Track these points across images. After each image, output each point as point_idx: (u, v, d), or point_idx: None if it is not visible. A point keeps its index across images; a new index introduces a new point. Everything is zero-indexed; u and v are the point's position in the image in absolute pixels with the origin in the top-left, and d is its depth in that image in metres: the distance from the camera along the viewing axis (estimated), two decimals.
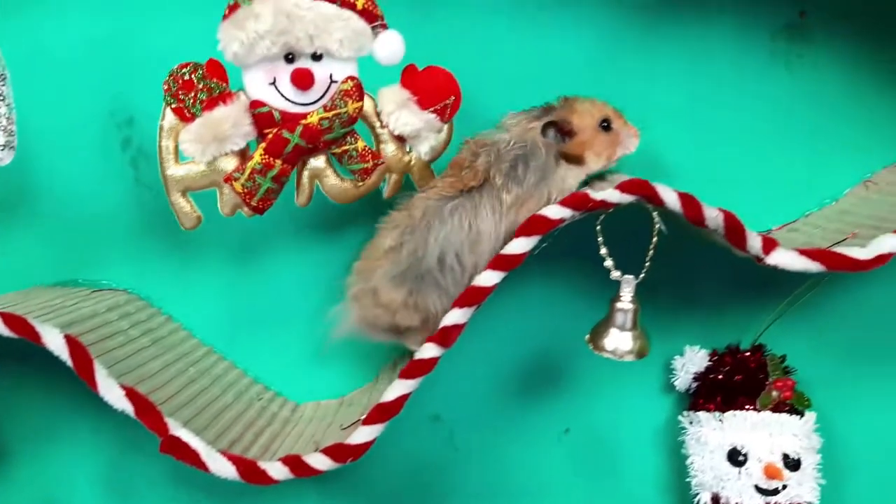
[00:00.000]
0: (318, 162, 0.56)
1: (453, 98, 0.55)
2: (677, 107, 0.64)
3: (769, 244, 0.50)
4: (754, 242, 0.50)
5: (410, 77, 0.54)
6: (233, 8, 0.50)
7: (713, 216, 0.50)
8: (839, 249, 0.50)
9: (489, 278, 0.51)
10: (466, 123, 0.61)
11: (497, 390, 0.70)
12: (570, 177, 0.56)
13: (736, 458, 0.61)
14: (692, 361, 0.66)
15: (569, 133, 0.55)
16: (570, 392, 0.69)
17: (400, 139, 0.56)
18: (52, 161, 0.66)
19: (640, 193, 0.50)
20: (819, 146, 0.64)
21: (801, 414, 0.62)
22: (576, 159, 0.56)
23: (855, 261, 0.50)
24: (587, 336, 0.55)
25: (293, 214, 0.63)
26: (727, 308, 0.68)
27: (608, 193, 0.50)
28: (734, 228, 0.50)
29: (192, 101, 0.53)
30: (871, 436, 0.69)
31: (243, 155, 0.55)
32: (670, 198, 0.50)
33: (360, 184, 0.56)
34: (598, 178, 0.58)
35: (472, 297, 0.52)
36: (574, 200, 0.51)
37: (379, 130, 0.56)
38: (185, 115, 0.53)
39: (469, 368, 0.69)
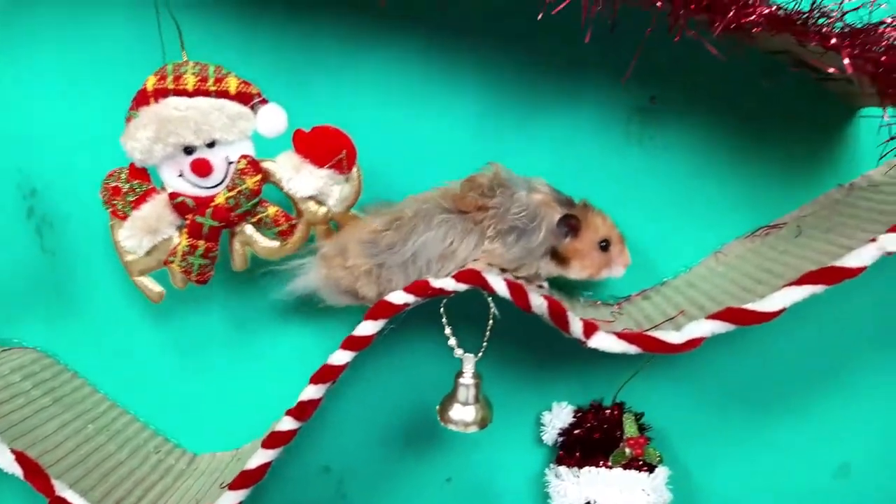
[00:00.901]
0: (245, 230, 0.61)
1: (346, 151, 0.59)
2: (547, 179, 0.69)
3: (589, 329, 0.55)
4: (576, 327, 0.55)
5: (301, 141, 0.58)
6: (128, 120, 0.56)
7: (538, 304, 0.54)
8: (655, 333, 0.55)
9: (340, 357, 0.56)
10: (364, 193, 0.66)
11: (383, 441, 0.74)
12: (545, 270, 0.60)
13: None
14: (558, 417, 0.71)
15: (574, 234, 0.59)
16: (451, 443, 0.74)
17: (312, 196, 0.60)
18: None
19: (473, 283, 0.55)
20: (673, 219, 0.68)
21: (652, 470, 0.67)
22: (562, 260, 0.60)
23: (668, 345, 0.54)
24: (437, 407, 0.60)
25: None
26: (601, 364, 0.73)
27: (445, 282, 0.55)
28: (558, 314, 0.54)
29: (121, 203, 0.59)
30: (730, 487, 0.74)
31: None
32: (500, 287, 0.54)
33: (286, 242, 0.61)
34: None
35: (325, 374, 0.57)
36: (415, 288, 0.55)
37: (287, 191, 0.60)
38: (119, 216, 0.60)
39: (357, 420, 0.74)
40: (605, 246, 0.60)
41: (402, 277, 0.58)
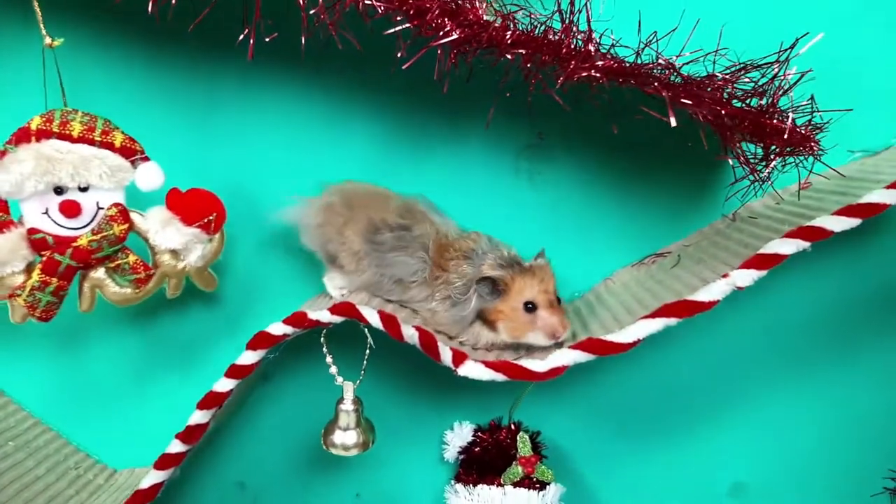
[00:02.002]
0: (97, 273, 0.63)
1: (216, 214, 0.63)
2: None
3: (458, 358, 0.58)
4: (446, 357, 0.58)
5: (174, 199, 0.62)
6: (1, 154, 0.59)
7: (410, 334, 0.58)
8: (520, 362, 0.58)
9: (224, 385, 0.60)
10: (262, 228, 0.71)
11: (296, 458, 0.78)
12: (483, 336, 0.62)
13: None
14: (459, 436, 0.74)
15: (502, 293, 0.60)
16: (360, 460, 0.77)
17: (173, 249, 0.64)
18: None
19: (348, 315, 0.58)
20: (564, 249, 0.70)
21: (543, 487, 0.70)
22: (490, 323, 0.61)
23: (533, 373, 0.57)
24: (322, 432, 0.63)
25: None
26: (505, 385, 0.76)
27: (321, 314, 0.58)
28: (428, 344, 0.58)
29: None
30: (627, 502, 0.77)
31: (30, 270, 0.63)
32: (373, 318, 0.58)
33: (139, 290, 0.64)
34: None
35: (210, 401, 0.60)
36: (293, 319, 0.59)
37: (151, 243, 0.63)
38: None
39: (270, 438, 0.77)
40: (530, 308, 0.60)
41: (372, 274, 0.62)
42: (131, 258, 0.63)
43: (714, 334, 0.74)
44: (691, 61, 0.51)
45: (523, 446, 0.71)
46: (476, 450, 0.73)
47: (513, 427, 0.73)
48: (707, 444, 0.76)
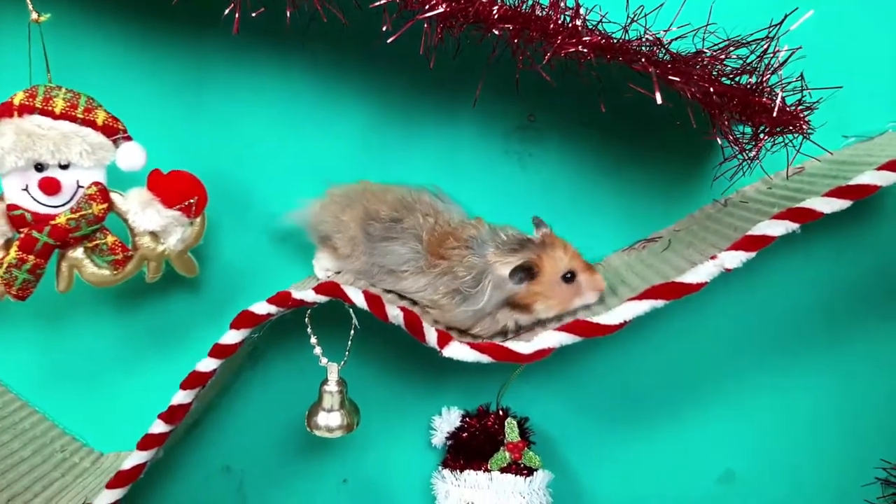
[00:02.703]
0: (75, 253, 0.63)
1: (197, 197, 0.62)
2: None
3: (443, 339, 0.57)
4: (431, 337, 0.57)
5: (155, 180, 0.62)
6: None
7: (395, 314, 0.57)
8: (506, 343, 0.57)
9: (207, 364, 0.59)
10: (249, 212, 0.70)
11: (282, 443, 0.77)
12: (512, 321, 0.60)
13: None
14: (447, 421, 0.74)
15: (533, 277, 0.58)
16: (346, 445, 0.77)
17: (153, 232, 0.63)
18: None
19: (333, 295, 0.57)
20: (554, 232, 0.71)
21: (531, 473, 0.70)
22: (524, 308, 0.59)
23: (518, 354, 0.57)
24: (306, 413, 0.62)
25: None
26: (493, 369, 0.76)
27: (305, 294, 0.57)
28: (413, 324, 0.57)
29: None
30: (615, 492, 0.77)
31: (9, 247, 0.62)
32: (358, 298, 0.57)
33: (117, 272, 0.63)
34: None
35: (194, 381, 0.59)
36: (277, 299, 0.58)
37: (131, 224, 0.63)
38: None
39: (257, 422, 0.77)
40: (569, 278, 0.59)
41: (366, 261, 0.61)
42: (110, 239, 0.63)
43: (704, 321, 0.73)
44: (679, 37, 0.50)
45: (511, 432, 0.70)
46: (464, 435, 0.72)
47: (501, 413, 0.73)
48: (697, 431, 0.75)
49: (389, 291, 0.63)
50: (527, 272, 0.58)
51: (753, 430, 0.75)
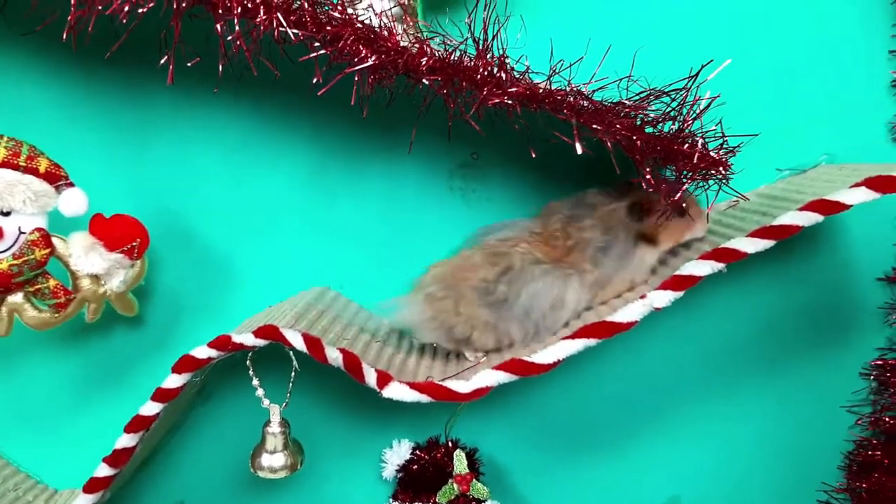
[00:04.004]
0: (15, 298, 0.63)
1: (139, 240, 0.63)
2: (377, 232, 0.73)
3: (383, 379, 0.58)
4: (370, 378, 0.58)
5: (98, 225, 0.62)
6: None
7: (334, 356, 0.58)
8: (445, 383, 0.58)
9: (150, 409, 0.60)
10: (193, 249, 0.71)
11: (236, 478, 0.77)
12: (647, 258, 0.63)
13: None
14: (397, 453, 0.74)
15: (648, 212, 0.62)
16: (299, 480, 0.77)
17: (94, 274, 0.63)
18: None
19: (272, 338, 0.58)
20: None
21: None
22: (651, 239, 0.63)
23: (457, 394, 0.58)
24: (250, 454, 0.63)
25: None
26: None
27: (245, 338, 0.58)
28: (352, 365, 0.58)
29: None
30: None
31: None
32: (297, 341, 0.58)
33: (58, 315, 0.64)
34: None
35: (137, 424, 0.60)
36: (218, 343, 0.59)
37: (73, 268, 0.63)
38: None
39: (209, 458, 0.77)
40: (681, 211, 0.62)
41: (519, 330, 0.62)
42: (52, 283, 0.63)
43: (646, 350, 0.75)
44: (600, 88, 0.52)
45: (459, 464, 0.71)
46: (414, 468, 0.73)
47: (450, 445, 0.73)
48: (643, 458, 0.77)
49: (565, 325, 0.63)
50: (640, 207, 0.61)
51: (698, 456, 0.77)
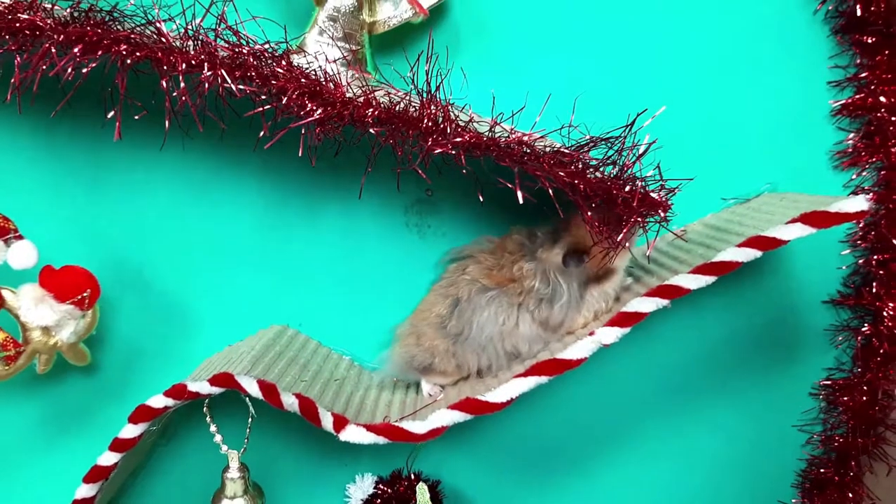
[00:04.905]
0: None
1: (90, 290, 0.63)
2: (334, 269, 0.73)
3: (339, 423, 0.59)
4: (326, 422, 0.59)
5: (48, 276, 0.62)
6: None
7: (290, 402, 0.59)
8: (401, 424, 0.59)
9: (108, 459, 0.60)
10: (150, 294, 0.71)
11: None
12: (609, 289, 0.62)
13: None
14: (360, 488, 0.75)
15: (586, 252, 0.60)
16: None
17: (45, 326, 0.63)
18: None
19: (228, 386, 0.58)
20: None
21: None
22: (606, 273, 0.61)
23: (413, 434, 0.59)
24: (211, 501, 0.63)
25: None
26: None
27: (201, 386, 0.58)
28: (308, 411, 0.59)
29: None
30: None
31: None
32: (252, 388, 0.58)
33: (8, 367, 0.63)
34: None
35: (95, 475, 0.60)
36: (173, 391, 0.59)
37: (23, 320, 0.63)
38: None
39: (173, 497, 0.77)
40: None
41: (474, 358, 0.64)
42: (1, 336, 0.63)
43: (604, 375, 0.76)
44: (540, 138, 0.53)
45: (422, 497, 0.72)
46: (378, 502, 0.74)
47: (412, 477, 0.74)
48: (604, 480, 0.78)
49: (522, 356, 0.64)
50: (577, 254, 0.60)
51: (657, 476, 0.79)
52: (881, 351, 0.73)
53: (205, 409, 0.61)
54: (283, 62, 0.53)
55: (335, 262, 0.73)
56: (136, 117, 0.56)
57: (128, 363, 0.72)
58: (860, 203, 0.56)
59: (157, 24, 0.53)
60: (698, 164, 0.71)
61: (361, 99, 0.54)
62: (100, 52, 0.51)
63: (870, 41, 0.70)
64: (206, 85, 0.52)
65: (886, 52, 0.70)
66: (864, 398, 0.74)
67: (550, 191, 0.52)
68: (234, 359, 0.65)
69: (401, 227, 0.72)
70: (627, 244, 0.57)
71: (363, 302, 0.73)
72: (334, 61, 0.58)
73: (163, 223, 0.70)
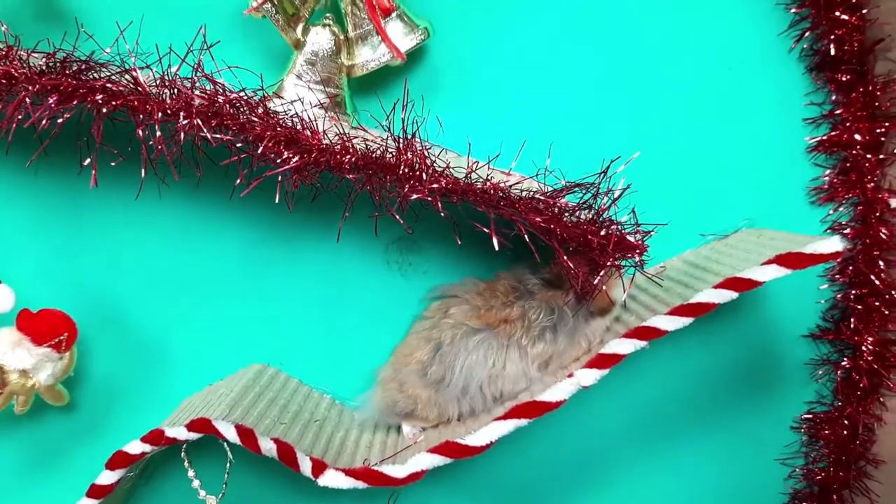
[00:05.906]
0: None
1: (67, 333, 0.63)
2: (314, 307, 0.73)
3: (318, 467, 0.59)
4: (305, 467, 0.58)
5: (24, 320, 0.62)
6: None
7: (268, 447, 0.58)
8: (380, 468, 0.59)
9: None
10: (129, 334, 0.70)
11: None
12: (604, 322, 0.63)
13: None
14: None
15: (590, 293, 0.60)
16: None
17: (22, 369, 0.63)
18: None
19: (205, 431, 0.58)
20: None
21: None
22: (606, 305, 0.62)
23: (392, 479, 0.59)
24: None
25: None
26: None
27: (178, 431, 0.58)
28: (286, 456, 0.58)
29: None
30: None
31: None
32: (230, 433, 0.58)
33: None
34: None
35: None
36: (150, 437, 0.59)
37: (1, 363, 0.62)
38: None
39: None
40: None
41: (456, 407, 0.63)
42: None
43: (587, 409, 0.76)
44: (518, 183, 0.54)
45: None
46: None
47: None
48: None
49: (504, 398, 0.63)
50: (583, 293, 0.60)
51: None
52: (861, 385, 0.73)
53: (182, 454, 0.60)
54: (260, 109, 0.54)
55: (315, 301, 0.73)
56: (113, 164, 0.55)
57: (107, 403, 0.72)
58: (835, 244, 0.56)
59: (133, 73, 0.53)
60: (678, 200, 0.72)
61: (338, 146, 0.54)
62: (75, 102, 0.51)
63: (844, 79, 0.71)
64: (182, 134, 0.52)
65: (861, 89, 0.71)
66: (845, 432, 0.74)
67: (526, 236, 0.52)
68: (212, 401, 0.64)
69: (381, 265, 0.72)
70: (604, 287, 0.57)
71: (344, 339, 0.73)
72: (312, 107, 0.58)
73: (141, 264, 0.70)
